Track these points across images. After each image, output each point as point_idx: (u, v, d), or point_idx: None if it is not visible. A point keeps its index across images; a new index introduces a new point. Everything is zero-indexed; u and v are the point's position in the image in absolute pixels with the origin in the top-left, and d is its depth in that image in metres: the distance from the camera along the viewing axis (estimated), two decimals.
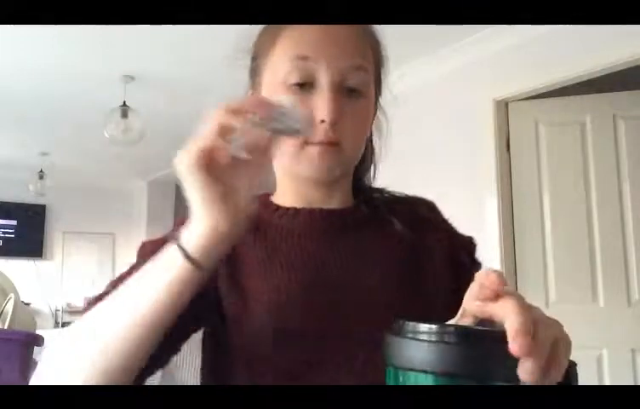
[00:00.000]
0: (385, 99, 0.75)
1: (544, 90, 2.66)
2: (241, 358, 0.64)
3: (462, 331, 0.41)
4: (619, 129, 2.63)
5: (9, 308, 1.11)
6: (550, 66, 2.53)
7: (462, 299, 0.47)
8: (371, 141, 0.76)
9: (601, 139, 2.64)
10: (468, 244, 0.76)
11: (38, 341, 0.95)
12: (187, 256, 0.48)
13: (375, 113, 0.73)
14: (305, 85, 0.63)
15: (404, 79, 2.93)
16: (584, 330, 2.36)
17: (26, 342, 0.92)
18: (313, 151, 0.63)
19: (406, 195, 0.80)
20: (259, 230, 0.68)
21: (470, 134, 2.85)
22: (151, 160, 6.09)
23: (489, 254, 2.69)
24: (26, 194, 6.39)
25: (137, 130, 3.54)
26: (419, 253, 0.70)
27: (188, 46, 3.00)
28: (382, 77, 0.72)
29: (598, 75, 2.44)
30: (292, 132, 0.51)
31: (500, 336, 0.38)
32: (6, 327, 1.05)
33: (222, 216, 0.48)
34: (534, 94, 2.70)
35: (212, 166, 0.47)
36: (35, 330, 1.25)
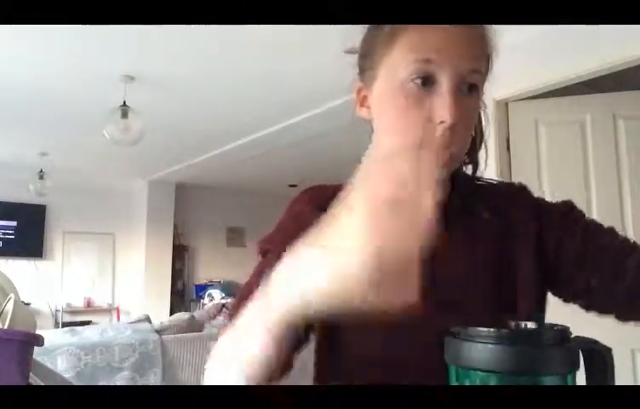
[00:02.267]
0: None
1: (544, 90, 2.66)
2: (361, 354, 0.65)
3: (517, 331, 0.46)
4: (619, 129, 2.63)
5: (9, 308, 1.11)
6: (550, 66, 2.53)
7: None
8: (480, 128, 0.78)
9: (601, 139, 2.64)
10: (562, 209, 0.77)
11: (38, 341, 0.95)
12: None
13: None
14: (424, 85, 0.64)
15: None
16: (584, 330, 2.36)
17: (26, 342, 0.92)
18: None
19: (500, 182, 0.82)
20: None
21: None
22: (151, 160, 6.10)
23: None
24: (26, 194, 6.39)
25: (137, 130, 3.54)
26: (507, 245, 0.71)
27: (188, 46, 3.00)
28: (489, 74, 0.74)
29: (598, 75, 2.44)
30: None
31: (552, 334, 0.43)
32: (6, 327, 1.05)
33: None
34: (534, 94, 2.70)
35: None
36: (35, 330, 1.25)
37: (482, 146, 0.80)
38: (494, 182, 0.81)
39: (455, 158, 0.67)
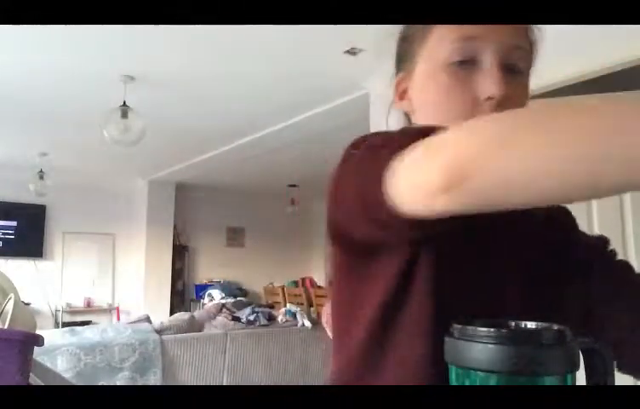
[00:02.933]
0: None
1: (544, 90, 2.66)
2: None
3: (516, 331, 0.46)
4: None
5: (9, 308, 1.11)
6: (550, 66, 2.53)
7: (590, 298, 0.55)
8: None
9: None
10: (598, 243, 0.73)
11: (38, 341, 0.95)
12: None
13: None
14: (467, 63, 0.62)
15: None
16: None
17: (26, 342, 0.92)
18: None
19: None
20: None
21: None
22: (151, 160, 6.10)
23: None
24: (26, 194, 6.39)
25: (137, 130, 3.54)
26: (553, 254, 0.68)
27: (188, 46, 3.00)
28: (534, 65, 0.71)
29: (598, 75, 2.44)
30: None
31: (552, 334, 0.43)
32: (6, 327, 1.05)
33: None
34: (534, 94, 2.69)
35: None
36: (35, 330, 1.25)
37: None
38: None
39: None
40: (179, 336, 4.01)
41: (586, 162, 0.35)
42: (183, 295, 7.82)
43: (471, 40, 0.61)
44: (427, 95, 0.65)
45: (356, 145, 0.56)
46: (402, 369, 0.57)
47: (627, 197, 2.58)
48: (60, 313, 7.07)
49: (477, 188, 0.40)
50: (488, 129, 0.41)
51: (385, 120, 0.75)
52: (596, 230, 2.61)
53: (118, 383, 3.54)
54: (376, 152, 0.50)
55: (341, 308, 0.65)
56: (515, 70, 0.63)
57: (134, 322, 4.24)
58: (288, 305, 5.36)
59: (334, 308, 0.66)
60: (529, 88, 0.69)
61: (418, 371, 0.56)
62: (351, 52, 2.81)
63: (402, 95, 0.70)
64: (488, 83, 0.60)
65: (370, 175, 0.49)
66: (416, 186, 0.44)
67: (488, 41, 0.61)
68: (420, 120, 0.66)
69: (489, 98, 0.60)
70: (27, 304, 5.90)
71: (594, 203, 2.62)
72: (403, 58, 0.69)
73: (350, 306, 0.61)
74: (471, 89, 0.61)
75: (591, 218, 2.60)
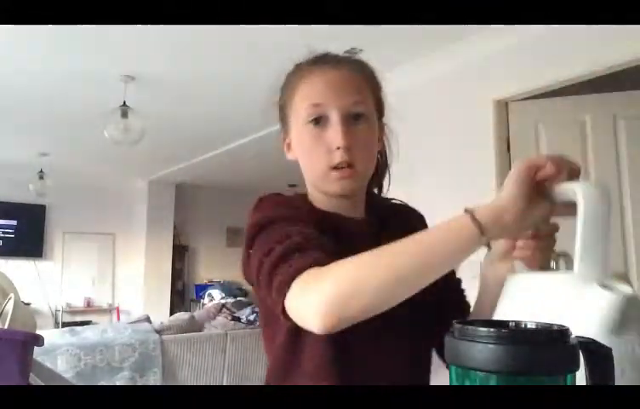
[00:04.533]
0: (388, 117, 0.93)
1: (544, 90, 2.66)
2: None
3: (516, 331, 0.48)
4: (619, 129, 2.63)
5: (9, 308, 1.11)
6: (550, 66, 2.53)
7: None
8: (384, 156, 0.93)
9: (601, 139, 2.64)
10: None
11: (38, 341, 0.94)
12: (475, 220, 0.63)
13: (382, 133, 0.90)
14: (320, 121, 0.82)
15: (404, 79, 2.93)
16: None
17: (26, 342, 0.92)
18: (336, 173, 0.82)
19: (403, 204, 0.97)
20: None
21: (470, 134, 2.85)
22: (151, 160, 6.09)
23: None
24: (26, 194, 6.39)
25: (137, 130, 3.54)
26: None
27: (188, 46, 3.00)
28: (382, 101, 0.90)
29: (598, 75, 2.44)
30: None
31: (552, 334, 0.45)
32: (6, 327, 1.05)
33: (515, 207, 0.64)
34: (534, 94, 2.69)
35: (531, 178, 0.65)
36: (35, 330, 1.24)
37: (387, 172, 0.97)
38: (398, 202, 0.97)
39: (361, 175, 0.84)
40: (179, 336, 4.00)
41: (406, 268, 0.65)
42: (183, 295, 7.81)
43: (318, 106, 0.82)
44: (299, 147, 0.87)
45: (259, 210, 0.83)
46: (311, 364, 0.79)
47: (627, 197, 2.58)
48: (60, 313, 7.07)
49: (350, 312, 0.64)
50: (349, 274, 0.66)
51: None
52: None
53: (118, 383, 3.54)
54: (277, 262, 0.71)
55: (266, 320, 0.87)
56: (358, 116, 0.83)
57: (134, 322, 4.24)
58: None
59: (262, 319, 0.89)
60: (376, 127, 0.88)
61: (322, 367, 0.78)
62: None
63: (288, 147, 0.91)
64: (335, 137, 0.81)
65: (274, 288, 0.71)
66: (305, 314, 0.67)
67: (331, 104, 0.82)
68: (302, 164, 0.88)
69: (338, 147, 0.81)
70: (27, 304, 5.89)
71: None
72: (283, 121, 0.92)
73: (273, 317, 0.78)
74: (325, 142, 0.82)
75: None
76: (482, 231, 0.62)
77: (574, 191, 0.64)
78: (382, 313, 0.65)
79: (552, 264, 0.73)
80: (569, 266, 0.63)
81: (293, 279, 0.68)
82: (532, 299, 0.63)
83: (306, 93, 0.84)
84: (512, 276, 0.69)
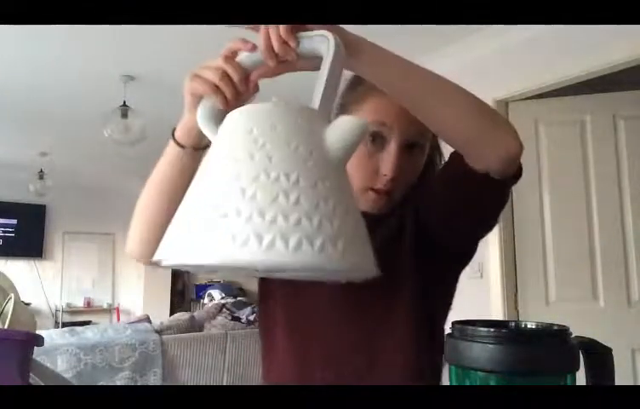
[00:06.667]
0: None
1: (544, 90, 2.66)
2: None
3: (516, 332, 0.48)
4: (619, 129, 2.63)
5: (9, 308, 1.11)
6: (550, 66, 2.53)
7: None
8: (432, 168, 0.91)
9: (601, 139, 2.64)
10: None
11: (38, 341, 0.94)
12: (174, 138, 0.73)
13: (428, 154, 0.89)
14: (377, 140, 0.81)
15: None
16: (584, 330, 2.36)
17: (26, 342, 0.92)
18: (373, 195, 0.82)
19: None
20: None
21: None
22: (151, 160, 6.07)
23: (489, 253, 2.70)
24: (26, 194, 6.39)
25: (137, 130, 3.54)
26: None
27: (188, 46, 2.99)
28: None
29: (598, 75, 2.44)
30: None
31: (552, 334, 0.45)
32: (6, 327, 1.05)
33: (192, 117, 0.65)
34: (534, 94, 2.69)
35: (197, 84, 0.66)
36: (35, 330, 1.25)
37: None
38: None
39: (394, 200, 0.84)
40: (179, 336, 4.00)
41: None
42: (183, 295, 7.81)
43: (383, 125, 0.80)
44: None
45: None
46: (274, 355, 0.89)
47: (627, 197, 2.58)
48: (60, 313, 7.06)
49: None
50: None
51: None
52: (596, 231, 2.61)
53: (118, 383, 3.54)
54: None
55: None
56: (415, 145, 0.82)
57: (134, 322, 4.23)
58: None
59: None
60: (425, 155, 0.87)
61: (282, 360, 0.87)
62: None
63: None
64: (386, 165, 0.80)
65: None
66: None
67: (395, 129, 0.80)
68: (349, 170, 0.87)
69: (385, 175, 0.80)
70: (27, 304, 5.89)
71: (594, 203, 2.62)
72: (341, 110, 0.87)
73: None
74: (375, 163, 0.81)
75: (591, 219, 2.60)
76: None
77: (325, 36, 0.57)
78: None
79: None
80: None
81: None
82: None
83: (375, 107, 0.81)
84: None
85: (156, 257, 0.49)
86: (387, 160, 0.80)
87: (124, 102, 3.50)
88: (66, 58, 3.16)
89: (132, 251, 0.80)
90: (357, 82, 0.85)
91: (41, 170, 6.05)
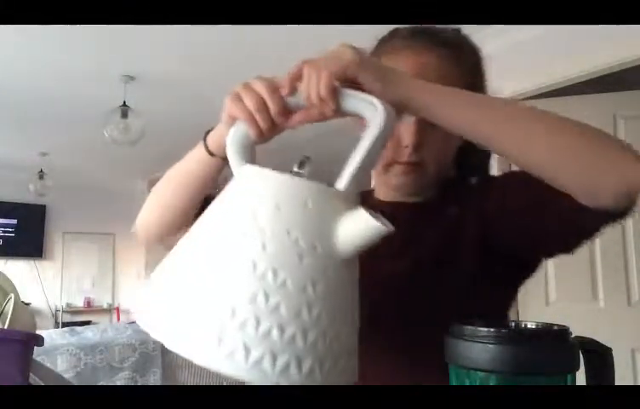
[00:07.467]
0: None
1: (544, 90, 2.66)
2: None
3: (516, 331, 0.48)
4: (619, 129, 2.62)
5: (9, 308, 1.11)
6: (550, 66, 2.53)
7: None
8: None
9: None
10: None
11: (38, 341, 0.94)
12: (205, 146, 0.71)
13: None
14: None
15: None
16: (584, 330, 2.35)
17: (26, 342, 0.92)
18: (398, 168, 0.78)
19: (478, 180, 0.86)
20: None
21: None
22: (151, 160, 6.09)
23: None
24: (26, 194, 6.38)
25: (137, 130, 3.54)
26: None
27: (188, 46, 2.99)
28: (481, 84, 0.86)
29: (598, 75, 2.44)
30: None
31: (552, 334, 0.45)
32: (6, 327, 1.05)
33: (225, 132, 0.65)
34: (534, 94, 2.69)
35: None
36: (35, 330, 1.24)
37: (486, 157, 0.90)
38: (477, 180, 0.86)
39: (429, 174, 0.79)
40: None
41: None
42: None
43: None
44: None
45: None
46: None
47: None
48: (60, 313, 7.06)
49: None
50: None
51: None
52: None
53: (118, 383, 3.54)
54: None
55: None
56: None
57: (134, 322, 4.23)
58: None
59: None
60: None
61: None
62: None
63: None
64: (405, 135, 0.76)
65: None
66: None
67: None
68: None
69: (406, 146, 0.76)
70: (27, 304, 5.89)
71: None
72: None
73: None
74: (396, 135, 0.76)
75: None
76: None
77: (373, 104, 0.52)
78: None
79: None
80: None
81: None
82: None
83: (405, 65, 0.75)
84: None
85: (138, 320, 0.50)
86: (407, 130, 0.75)
87: (124, 102, 3.50)
88: (66, 58, 3.16)
89: (140, 233, 0.85)
90: (384, 42, 0.81)
91: (41, 170, 6.05)
